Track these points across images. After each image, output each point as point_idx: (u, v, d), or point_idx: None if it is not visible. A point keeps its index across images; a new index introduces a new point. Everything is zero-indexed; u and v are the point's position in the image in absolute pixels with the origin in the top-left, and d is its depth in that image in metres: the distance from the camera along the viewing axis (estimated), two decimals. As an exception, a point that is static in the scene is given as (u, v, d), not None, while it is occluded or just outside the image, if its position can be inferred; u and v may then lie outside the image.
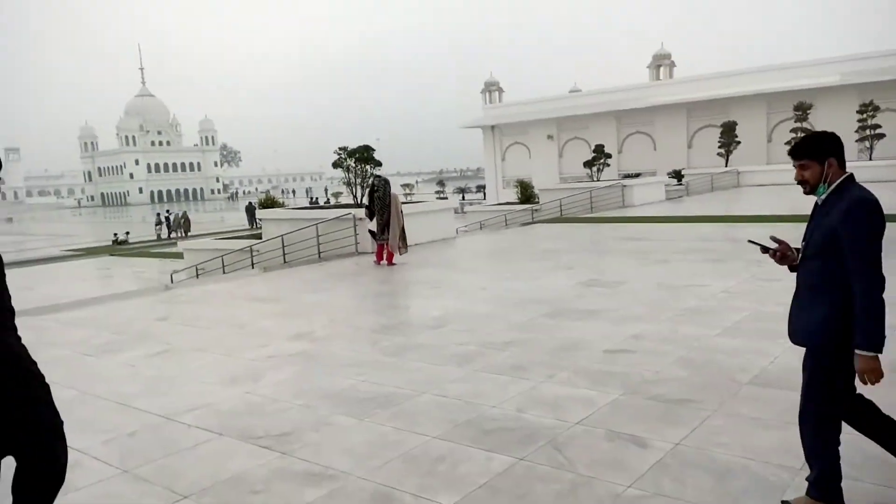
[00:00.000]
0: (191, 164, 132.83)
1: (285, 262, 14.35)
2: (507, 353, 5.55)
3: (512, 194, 42.38)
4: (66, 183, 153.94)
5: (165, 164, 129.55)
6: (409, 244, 11.97)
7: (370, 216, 13.09)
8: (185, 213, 42.23)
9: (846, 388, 2.70)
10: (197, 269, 16.81)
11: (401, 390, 4.78)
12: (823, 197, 2.66)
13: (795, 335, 2.79)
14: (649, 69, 47.98)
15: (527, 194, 27.08)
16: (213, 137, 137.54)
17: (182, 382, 5.33)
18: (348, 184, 15.23)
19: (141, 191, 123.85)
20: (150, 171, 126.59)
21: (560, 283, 8.57)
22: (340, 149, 15.19)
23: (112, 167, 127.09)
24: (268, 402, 4.73)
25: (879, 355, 2.51)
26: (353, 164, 15.09)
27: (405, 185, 56.06)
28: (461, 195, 50.72)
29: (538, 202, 25.42)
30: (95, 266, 28.29)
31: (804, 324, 2.72)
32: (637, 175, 32.57)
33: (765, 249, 2.93)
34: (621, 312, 6.70)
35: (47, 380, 2.66)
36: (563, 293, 7.86)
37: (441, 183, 54.30)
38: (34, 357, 2.63)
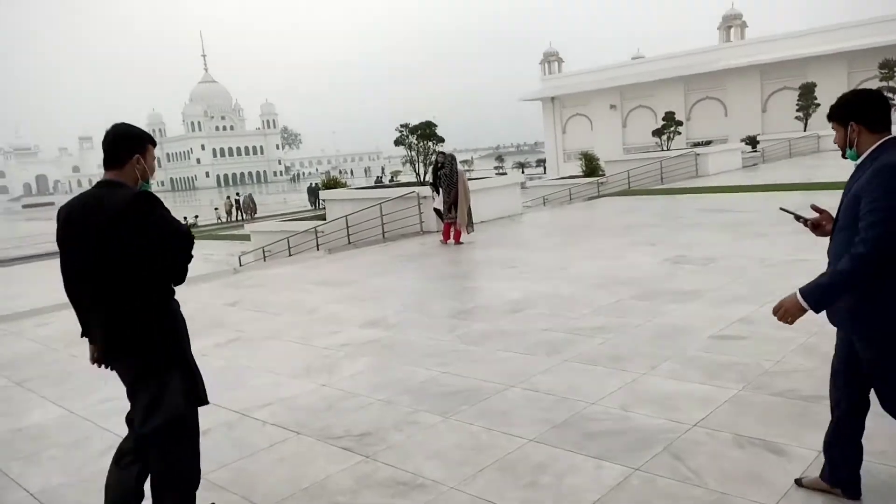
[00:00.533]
0: (253, 147, 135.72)
1: (350, 242, 14.16)
2: (599, 340, 5.07)
3: (573, 168, 41.25)
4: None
5: (229, 149, 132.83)
6: (473, 222, 11.52)
7: (436, 194, 12.72)
8: (250, 195, 43.02)
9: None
10: (264, 251, 16.87)
11: (486, 383, 4.38)
12: (858, 163, 2.43)
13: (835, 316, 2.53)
14: (719, 31, 45.63)
15: (591, 167, 26.14)
16: (274, 121, 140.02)
17: (254, 374, 5.08)
18: (410, 161, 14.86)
19: (207, 175, 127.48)
20: (214, 155, 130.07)
21: (644, 260, 7.97)
22: (402, 126, 14.82)
23: (180, 153, 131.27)
24: (345, 396, 4.41)
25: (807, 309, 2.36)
26: (416, 141, 14.70)
27: (463, 162, 55.42)
28: (520, 170, 49.77)
29: (604, 175, 24.52)
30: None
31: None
32: (708, 143, 31.03)
33: (798, 218, 2.71)
34: (721, 293, 6.09)
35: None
36: (651, 272, 7.27)
37: (500, 158, 53.30)
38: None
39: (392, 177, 50.77)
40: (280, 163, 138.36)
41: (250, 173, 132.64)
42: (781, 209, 2.89)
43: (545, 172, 48.52)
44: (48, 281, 20.21)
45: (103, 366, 2.71)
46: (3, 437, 4.30)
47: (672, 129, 25.72)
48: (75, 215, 2.59)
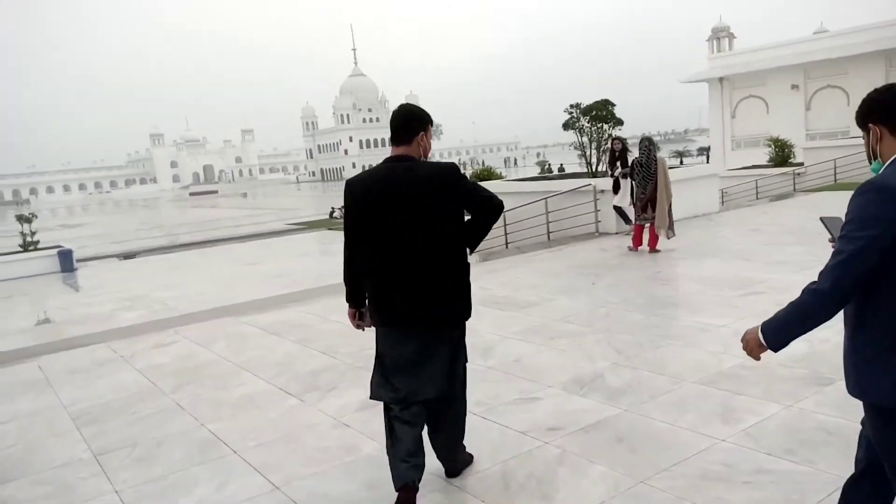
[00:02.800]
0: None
1: (507, 245, 12.23)
2: None
3: (742, 157, 36.68)
4: (292, 160, 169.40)
5: (374, 140, 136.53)
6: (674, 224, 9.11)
7: (616, 189, 10.45)
8: None
9: None
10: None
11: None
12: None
13: None
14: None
15: (783, 155, 22.35)
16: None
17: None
18: (580, 148, 12.63)
19: (354, 166, 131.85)
20: (361, 147, 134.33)
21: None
22: (572, 106, 12.62)
23: (330, 144, 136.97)
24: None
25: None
26: (588, 124, 12.44)
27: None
28: (679, 159, 45.44)
29: (802, 165, 20.73)
30: (315, 240, 28.95)
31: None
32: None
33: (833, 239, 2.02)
34: None
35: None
36: None
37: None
38: None
39: (548, 167, 48.20)
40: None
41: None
42: (822, 220, 2.12)
43: (707, 161, 43.83)
44: (203, 269, 19.86)
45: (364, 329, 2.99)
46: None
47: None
48: (390, 185, 2.70)
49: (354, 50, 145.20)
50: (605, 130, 12.37)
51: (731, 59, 43.28)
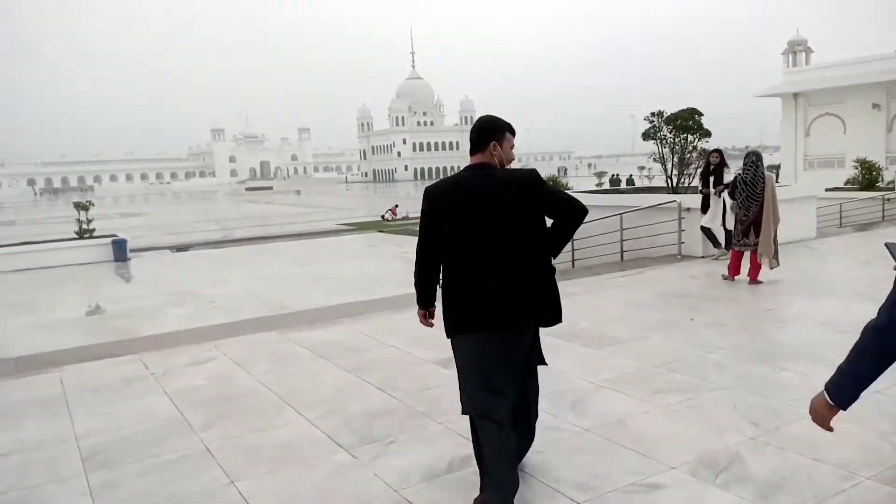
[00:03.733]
0: (450, 143, 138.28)
1: (573, 263, 11.23)
2: None
3: (816, 177, 34.71)
4: (346, 160, 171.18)
5: (428, 144, 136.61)
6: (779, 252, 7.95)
7: (705, 207, 9.41)
8: None
9: None
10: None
11: None
12: None
13: None
14: None
15: (870, 178, 20.65)
16: (471, 117, 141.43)
17: None
18: (661, 160, 11.55)
19: (406, 168, 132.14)
20: (414, 149, 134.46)
21: None
22: (653, 115, 11.55)
23: (383, 146, 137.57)
24: None
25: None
26: (671, 134, 11.36)
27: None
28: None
29: (893, 188, 19.05)
30: (365, 242, 28.42)
31: None
32: None
33: None
34: None
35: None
36: None
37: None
38: None
39: (616, 177, 46.49)
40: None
41: (445, 168, 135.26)
42: (888, 246, 2.04)
43: (777, 181, 41.69)
44: (254, 267, 19.38)
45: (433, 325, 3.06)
46: None
47: None
48: (469, 190, 2.77)
49: (413, 53, 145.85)
50: (691, 142, 11.25)
51: (807, 74, 41.09)
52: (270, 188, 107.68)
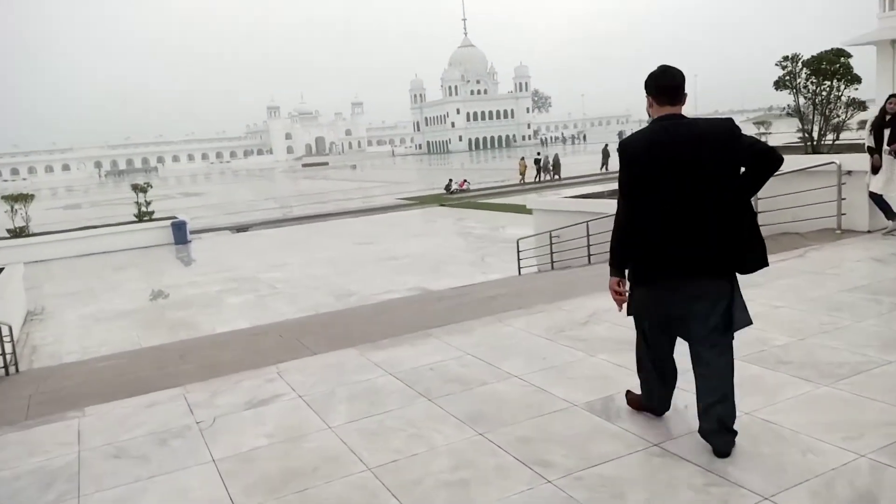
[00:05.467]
0: (504, 111, 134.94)
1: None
2: None
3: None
4: (399, 133, 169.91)
5: (482, 113, 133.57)
6: None
7: (876, 169, 7.45)
8: (556, 155, 40.20)
9: None
10: (551, 238, 12.82)
11: None
12: None
13: None
14: None
15: None
16: (526, 84, 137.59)
17: None
18: (798, 113, 9.52)
19: (461, 139, 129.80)
20: (468, 119, 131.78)
21: None
22: (786, 58, 9.50)
23: (437, 117, 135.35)
24: None
25: None
26: (810, 82, 9.31)
27: (759, 123, 45.88)
28: (836, 133, 39.54)
29: None
30: (427, 217, 27.00)
31: None
32: None
33: None
34: None
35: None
36: None
37: (764, 124, 42.62)
38: None
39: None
40: (529, 126, 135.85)
41: (500, 137, 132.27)
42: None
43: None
44: (314, 247, 18.21)
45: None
46: None
47: None
48: (675, 142, 2.76)
49: (465, 20, 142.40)
50: (837, 90, 9.18)
51: (909, 16, 36.90)
52: (326, 163, 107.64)
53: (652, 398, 3.26)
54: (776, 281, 5.92)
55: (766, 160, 2.77)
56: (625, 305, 3.06)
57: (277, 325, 7.50)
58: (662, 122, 2.81)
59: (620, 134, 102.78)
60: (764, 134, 43.07)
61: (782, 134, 44.47)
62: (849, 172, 7.87)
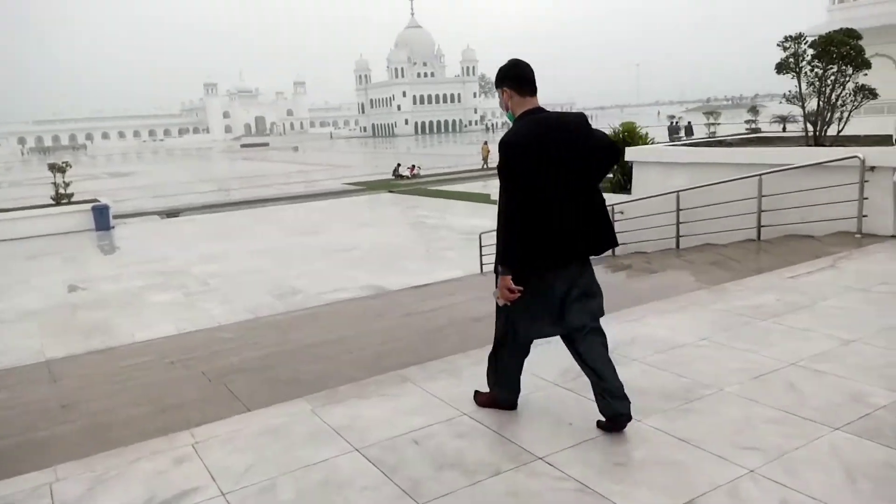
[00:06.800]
0: (451, 95, 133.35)
1: (678, 244, 8.46)
2: None
3: (858, 127, 31.48)
4: (343, 115, 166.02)
5: (429, 96, 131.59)
6: None
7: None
8: (689, 122, 40.13)
9: None
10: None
11: None
12: None
13: None
14: None
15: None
16: (473, 68, 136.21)
17: None
18: (799, 99, 8.57)
19: (406, 122, 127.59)
20: (414, 102, 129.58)
21: None
22: (789, 39, 8.52)
23: (382, 99, 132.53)
24: None
25: None
26: (814, 65, 8.36)
27: (709, 114, 46.00)
28: (782, 125, 39.92)
29: None
30: (376, 204, 25.48)
31: None
32: None
33: None
34: None
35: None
36: None
37: (754, 110, 42.99)
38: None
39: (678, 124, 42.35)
40: (476, 112, 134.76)
41: (447, 122, 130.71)
42: None
43: (784, 130, 38.24)
44: (253, 236, 16.31)
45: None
46: None
47: None
48: (554, 135, 2.91)
49: (412, 0, 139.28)
50: (847, 75, 8.25)
51: (855, 10, 37.30)
52: (266, 144, 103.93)
53: (510, 393, 3.33)
54: (823, 302, 4.85)
55: (612, 152, 3.07)
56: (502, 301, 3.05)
57: (203, 349, 6.04)
58: (534, 115, 2.96)
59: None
60: (713, 124, 43.22)
61: (732, 124, 44.80)
62: (872, 168, 6.93)
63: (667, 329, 4.47)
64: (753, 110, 42.94)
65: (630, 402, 2.99)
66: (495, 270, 3.04)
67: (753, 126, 40.61)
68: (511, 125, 2.99)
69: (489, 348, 3.37)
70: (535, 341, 3.20)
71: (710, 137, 38.37)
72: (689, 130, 41.35)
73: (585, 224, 2.95)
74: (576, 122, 2.98)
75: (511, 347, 3.20)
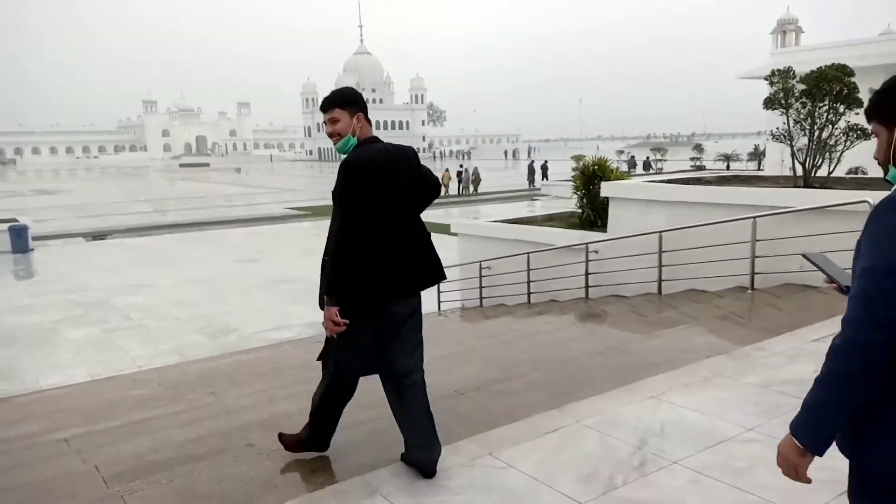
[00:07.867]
0: (400, 122, 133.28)
1: (660, 289, 7.75)
2: None
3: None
4: (289, 137, 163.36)
5: (377, 122, 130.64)
6: None
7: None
8: (476, 168, 38.42)
9: None
10: (481, 270, 10.74)
11: None
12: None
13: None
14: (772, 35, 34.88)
15: None
16: (422, 96, 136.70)
17: None
18: (787, 137, 8.03)
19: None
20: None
21: None
22: (779, 73, 8.01)
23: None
24: None
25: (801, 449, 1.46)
26: (801, 103, 7.86)
27: (656, 150, 46.66)
28: (726, 164, 40.80)
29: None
30: (321, 231, 24.23)
31: None
32: None
33: (830, 279, 1.74)
34: None
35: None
36: None
37: (699, 147, 43.80)
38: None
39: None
40: (424, 139, 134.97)
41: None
42: (806, 256, 1.84)
43: (760, 168, 39.26)
44: (187, 263, 14.74)
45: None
46: None
47: None
48: (396, 162, 2.95)
49: (361, 26, 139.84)
50: (835, 113, 7.76)
51: (796, 55, 38.50)
52: (207, 164, 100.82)
53: (323, 438, 3.20)
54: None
55: (435, 186, 3.13)
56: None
57: (108, 417, 4.84)
58: (376, 143, 3.01)
59: (505, 153, 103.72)
60: (660, 160, 43.86)
61: (677, 160, 45.55)
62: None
63: (698, 412, 3.58)
64: (698, 148, 43.82)
65: (441, 446, 2.97)
66: (320, 301, 2.87)
67: (698, 164, 41.39)
68: (348, 152, 2.95)
69: (487, 440, 2.44)
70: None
71: (656, 172, 38.92)
72: (647, 165, 42.06)
73: (416, 255, 2.95)
74: (412, 154, 3.06)
75: (332, 398, 3.06)
